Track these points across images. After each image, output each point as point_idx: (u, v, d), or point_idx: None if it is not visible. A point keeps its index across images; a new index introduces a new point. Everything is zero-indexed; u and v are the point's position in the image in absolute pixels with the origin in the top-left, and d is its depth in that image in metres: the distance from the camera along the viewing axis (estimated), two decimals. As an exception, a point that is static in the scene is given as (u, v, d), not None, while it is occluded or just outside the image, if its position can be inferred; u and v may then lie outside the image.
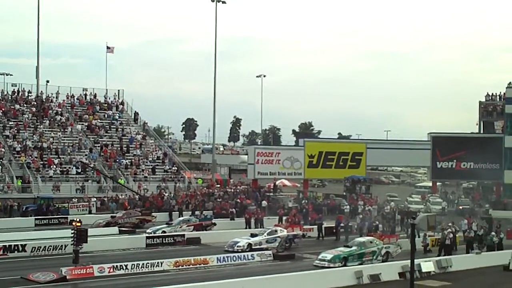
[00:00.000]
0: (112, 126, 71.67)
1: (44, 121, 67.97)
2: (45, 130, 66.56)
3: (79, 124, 69.91)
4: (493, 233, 39.46)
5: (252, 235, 39.12)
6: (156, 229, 42.82)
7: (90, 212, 52.11)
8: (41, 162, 60.81)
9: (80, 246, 30.03)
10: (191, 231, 43.01)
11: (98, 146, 67.16)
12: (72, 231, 30.10)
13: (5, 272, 28.41)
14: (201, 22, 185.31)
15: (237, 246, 37.13)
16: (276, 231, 39.74)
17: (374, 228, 41.93)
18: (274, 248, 37.45)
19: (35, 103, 71.18)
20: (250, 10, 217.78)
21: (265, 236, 38.82)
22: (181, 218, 46.73)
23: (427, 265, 32.33)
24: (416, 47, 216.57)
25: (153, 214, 49.74)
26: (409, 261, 27.71)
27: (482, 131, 69.88)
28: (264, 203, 54.90)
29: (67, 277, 28.54)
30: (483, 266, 34.62)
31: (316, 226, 45.70)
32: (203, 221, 46.22)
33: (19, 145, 62.42)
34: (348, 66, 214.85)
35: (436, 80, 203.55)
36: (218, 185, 66.01)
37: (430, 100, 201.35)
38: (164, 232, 41.98)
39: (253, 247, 37.27)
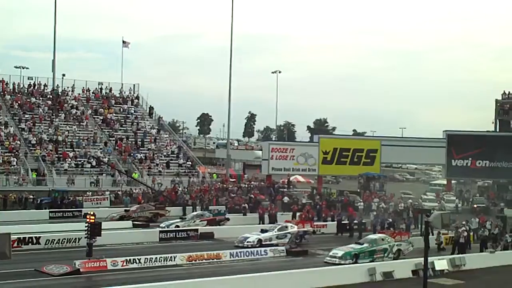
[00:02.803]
0: (127, 120, 71.92)
1: (59, 115, 68.26)
2: (61, 124, 66.87)
3: (94, 117, 70.20)
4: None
5: (263, 231, 38.89)
6: (170, 223, 42.80)
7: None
8: (56, 155, 61.13)
9: (94, 240, 30.21)
10: (205, 226, 43.00)
11: (113, 140, 67.42)
12: (86, 224, 30.27)
13: (19, 264, 28.47)
14: (217, 18, 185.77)
15: (247, 242, 36.99)
16: (286, 227, 39.51)
17: (388, 226, 41.76)
18: (286, 244, 37.34)
19: (50, 96, 71.51)
20: (266, 6, 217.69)
21: (275, 232, 38.55)
22: (194, 213, 46.67)
23: (441, 263, 32.10)
24: (431, 45, 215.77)
25: (166, 208, 49.77)
26: (423, 258, 27.57)
27: (498, 130, 69.44)
28: (286, 199, 54.71)
29: (81, 270, 28.67)
30: (497, 265, 34.35)
31: (329, 223, 45.75)
32: (217, 216, 46.23)
33: (35, 138, 62.79)
34: (363, 63, 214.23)
35: (451, 78, 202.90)
36: (233, 180, 66.01)
37: (445, 98, 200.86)
38: (177, 226, 41.96)
39: (263, 243, 37.12)
